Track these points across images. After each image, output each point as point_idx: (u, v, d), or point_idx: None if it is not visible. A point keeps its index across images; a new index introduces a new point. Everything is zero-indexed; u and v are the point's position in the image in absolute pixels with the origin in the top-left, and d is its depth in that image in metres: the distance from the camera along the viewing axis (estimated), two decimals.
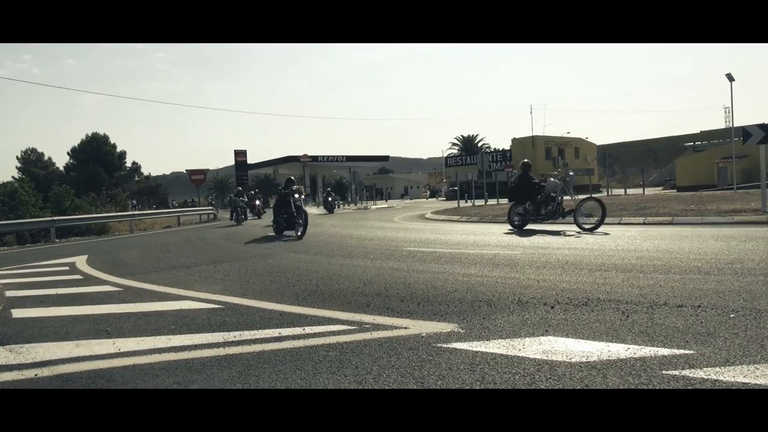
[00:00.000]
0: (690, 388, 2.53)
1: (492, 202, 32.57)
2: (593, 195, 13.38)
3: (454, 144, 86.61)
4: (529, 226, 12.27)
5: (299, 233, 13.03)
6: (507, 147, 62.42)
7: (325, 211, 30.92)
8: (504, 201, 33.00)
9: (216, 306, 5.15)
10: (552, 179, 11.92)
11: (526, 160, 13.44)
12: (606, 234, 10.09)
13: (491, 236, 11.18)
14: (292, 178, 15.19)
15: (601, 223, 10.68)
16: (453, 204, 31.98)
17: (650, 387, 2.56)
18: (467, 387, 2.70)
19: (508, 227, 12.76)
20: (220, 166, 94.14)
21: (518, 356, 3.12)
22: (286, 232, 13.79)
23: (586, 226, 10.67)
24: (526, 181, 12.29)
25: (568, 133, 63.72)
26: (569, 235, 10.15)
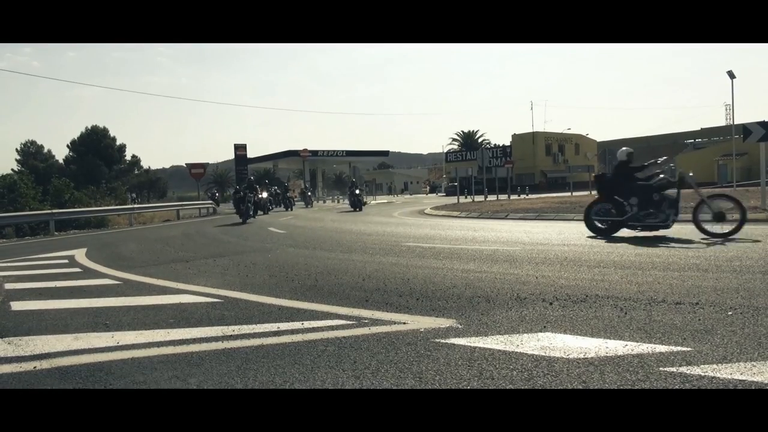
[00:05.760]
0: (687, 384, 2.53)
1: (492, 197, 32.57)
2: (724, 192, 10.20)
3: (454, 139, 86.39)
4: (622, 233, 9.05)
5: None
6: (507, 143, 62.38)
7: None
8: (503, 197, 33.04)
9: (215, 300, 5.16)
10: (662, 174, 8.86)
11: (625, 148, 9.51)
12: (756, 242, 7.39)
13: (490, 232, 11.18)
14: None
15: (740, 227, 7.97)
16: (453, 200, 31.98)
17: (647, 384, 2.56)
18: (465, 382, 2.71)
19: (510, 223, 12.71)
20: (220, 160, 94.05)
21: (516, 352, 3.13)
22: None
23: (716, 231, 8.03)
24: (628, 174, 9.03)
25: (569, 129, 63.74)
26: (689, 245, 7.40)
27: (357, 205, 25.58)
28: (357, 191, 25.87)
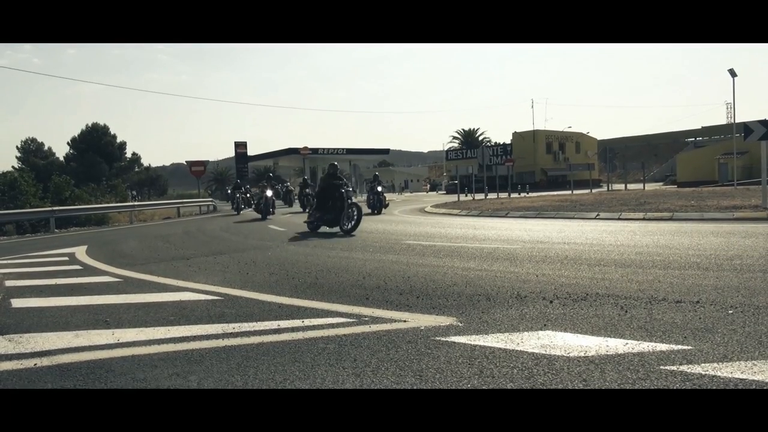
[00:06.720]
0: (688, 383, 2.53)
1: (492, 195, 32.55)
2: None
3: (454, 137, 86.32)
4: None
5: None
6: (508, 141, 62.31)
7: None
8: (504, 195, 33.02)
9: (215, 297, 5.16)
10: None
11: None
12: None
13: (491, 230, 11.18)
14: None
15: None
16: (453, 198, 31.98)
17: (648, 382, 2.56)
18: (465, 380, 2.70)
19: (511, 221, 12.72)
20: (221, 158, 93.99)
21: (516, 350, 3.13)
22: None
23: None
24: None
25: (570, 127, 63.89)
26: None
27: (376, 206, 19.46)
28: (379, 188, 20.05)
